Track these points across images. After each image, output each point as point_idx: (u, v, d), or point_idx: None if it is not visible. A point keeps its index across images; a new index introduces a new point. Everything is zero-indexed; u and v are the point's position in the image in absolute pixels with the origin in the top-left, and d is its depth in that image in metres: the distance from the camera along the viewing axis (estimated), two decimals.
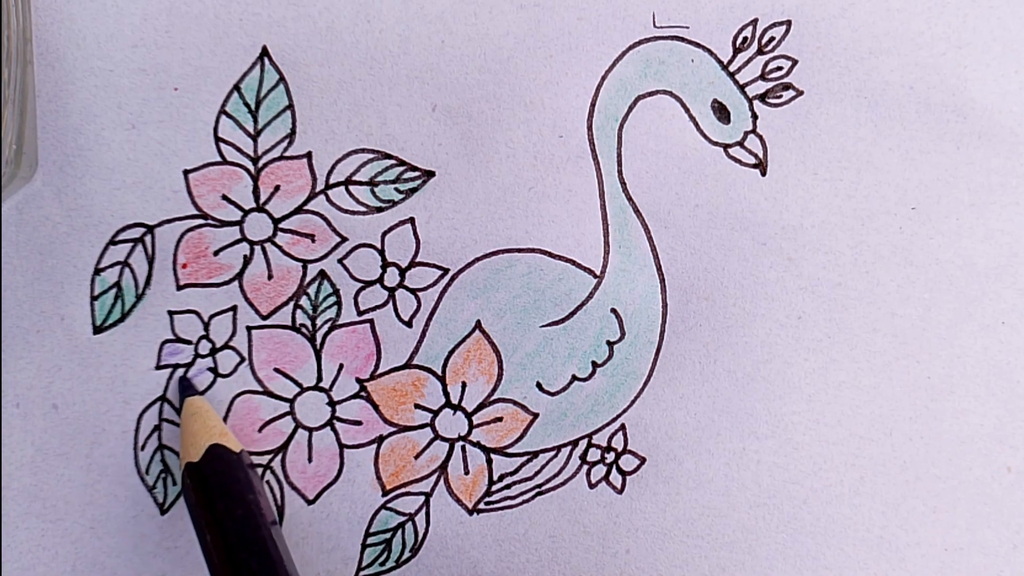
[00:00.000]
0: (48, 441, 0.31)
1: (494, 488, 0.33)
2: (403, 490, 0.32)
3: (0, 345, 0.31)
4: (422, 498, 0.32)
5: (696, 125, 0.32)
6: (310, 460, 0.32)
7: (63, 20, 0.30)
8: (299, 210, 0.32)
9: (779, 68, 0.32)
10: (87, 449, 0.31)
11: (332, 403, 0.32)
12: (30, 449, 0.31)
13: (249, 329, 0.32)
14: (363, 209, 0.32)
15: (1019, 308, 0.33)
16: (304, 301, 0.32)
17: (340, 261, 0.32)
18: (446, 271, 0.32)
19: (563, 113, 0.32)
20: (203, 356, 0.31)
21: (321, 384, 0.32)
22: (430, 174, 0.32)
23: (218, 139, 0.31)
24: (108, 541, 0.31)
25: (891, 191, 0.33)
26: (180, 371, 0.31)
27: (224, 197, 0.31)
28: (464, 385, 0.32)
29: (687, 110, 0.32)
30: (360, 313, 0.32)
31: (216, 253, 0.31)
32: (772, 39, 0.32)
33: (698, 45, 0.32)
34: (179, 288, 0.31)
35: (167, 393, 0.31)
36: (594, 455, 0.33)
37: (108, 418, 0.31)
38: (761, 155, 0.33)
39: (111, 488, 0.31)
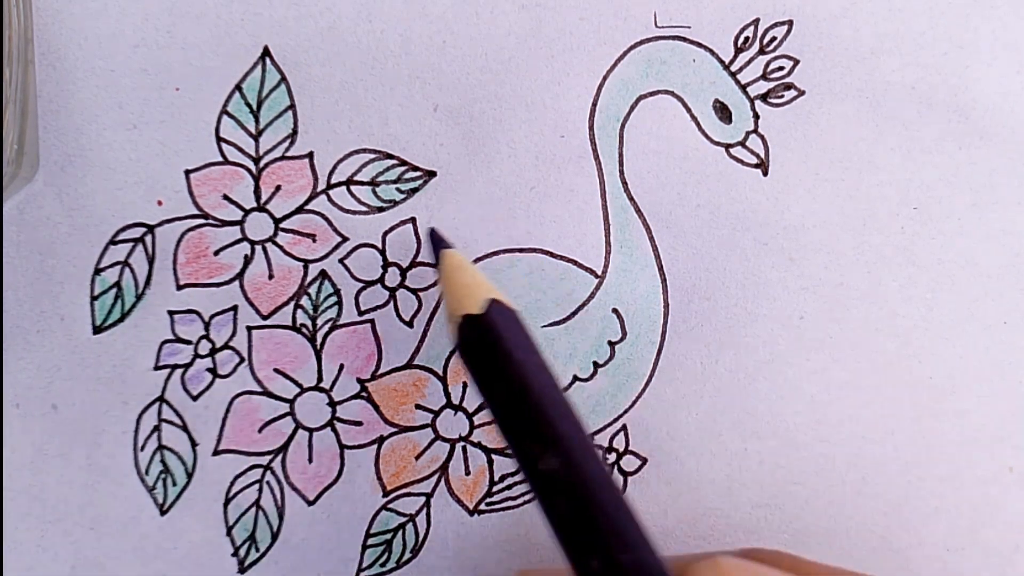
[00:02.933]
0: (48, 441, 0.31)
1: (495, 489, 0.32)
2: (404, 491, 0.32)
3: (0, 345, 0.31)
4: (423, 499, 0.32)
5: (698, 125, 0.32)
6: (310, 461, 0.32)
7: (65, 20, 0.30)
8: (300, 210, 0.31)
9: (780, 68, 0.32)
10: (87, 449, 0.31)
11: (332, 403, 0.32)
12: (30, 449, 0.31)
13: (249, 329, 0.32)
14: (364, 209, 0.32)
15: (1021, 308, 0.33)
16: (305, 301, 0.32)
17: (341, 261, 0.32)
18: None
19: (565, 113, 0.32)
20: (203, 356, 0.31)
21: (321, 384, 0.32)
22: (431, 174, 0.32)
23: (219, 139, 0.31)
24: (108, 542, 0.31)
25: (893, 191, 0.33)
26: (430, 226, 0.31)
27: (225, 197, 0.31)
28: (465, 385, 0.32)
29: (689, 110, 0.32)
30: (361, 313, 0.32)
31: (217, 253, 0.31)
32: (774, 39, 0.32)
33: (700, 45, 0.32)
34: (179, 288, 0.31)
35: (166, 393, 0.31)
36: None
37: (107, 418, 0.31)
38: (763, 155, 0.32)
39: (111, 488, 0.31)
